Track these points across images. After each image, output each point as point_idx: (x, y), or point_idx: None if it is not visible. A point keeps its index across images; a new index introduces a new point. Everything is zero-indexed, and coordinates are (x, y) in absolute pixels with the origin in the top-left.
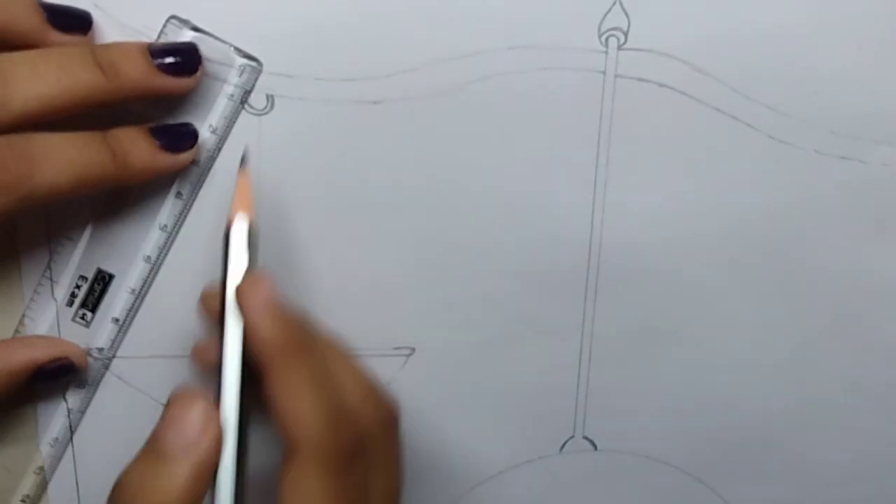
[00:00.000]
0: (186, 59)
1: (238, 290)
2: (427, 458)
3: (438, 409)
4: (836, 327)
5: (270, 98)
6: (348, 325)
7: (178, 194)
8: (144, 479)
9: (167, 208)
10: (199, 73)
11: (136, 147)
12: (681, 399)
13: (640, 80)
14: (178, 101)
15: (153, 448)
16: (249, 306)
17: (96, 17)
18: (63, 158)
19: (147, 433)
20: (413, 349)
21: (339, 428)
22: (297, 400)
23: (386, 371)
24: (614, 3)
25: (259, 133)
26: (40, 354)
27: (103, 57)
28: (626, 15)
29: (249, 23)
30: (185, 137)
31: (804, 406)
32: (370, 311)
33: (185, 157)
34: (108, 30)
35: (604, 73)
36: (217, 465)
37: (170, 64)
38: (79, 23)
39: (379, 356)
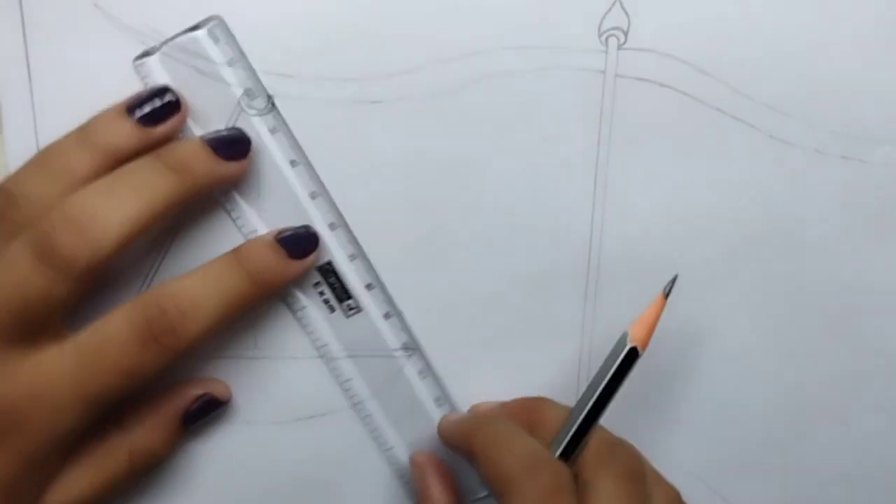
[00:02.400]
0: (241, 145)
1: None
2: (449, 456)
3: (438, 409)
4: (836, 327)
5: (270, 98)
6: (366, 325)
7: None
8: None
9: None
10: (251, 154)
11: (268, 262)
12: (680, 399)
13: (640, 80)
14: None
15: None
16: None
17: (97, 17)
18: (209, 304)
19: None
20: (413, 349)
21: None
22: None
23: (386, 371)
24: (614, 3)
25: (259, 133)
26: (183, 400)
27: (172, 160)
28: (626, 15)
29: (250, 22)
30: (308, 242)
31: (804, 406)
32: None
33: (310, 260)
34: (109, 29)
35: (604, 72)
36: None
37: (228, 151)
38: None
39: (379, 356)
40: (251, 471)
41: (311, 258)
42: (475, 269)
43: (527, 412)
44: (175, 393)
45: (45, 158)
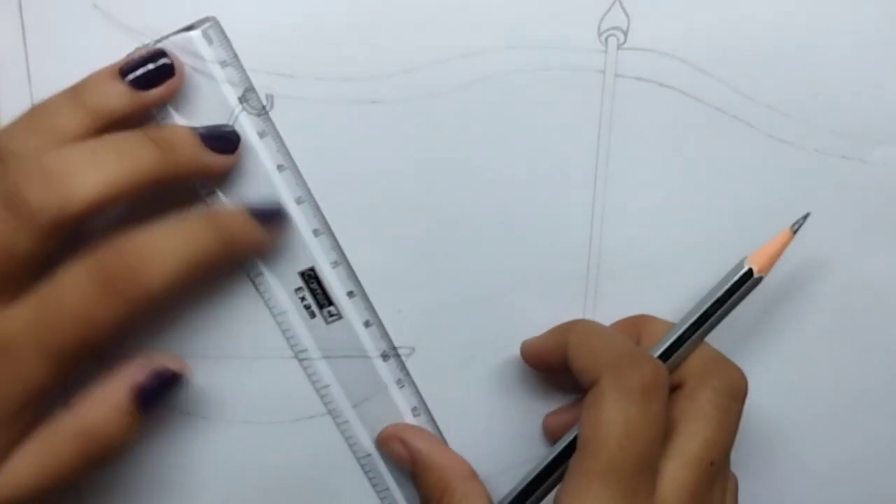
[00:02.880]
0: (230, 140)
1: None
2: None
3: (438, 408)
4: (836, 327)
5: (270, 98)
6: (346, 332)
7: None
8: None
9: None
10: (238, 152)
11: (237, 223)
12: None
13: (640, 80)
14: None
15: None
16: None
17: (96, 17)
18: (172, 254)
19: None
20: (413, 349)
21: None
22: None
23: (363, 379)
24: (614, 3)
25: (248, 136)
26: (137, 375)
27: (159, 137)
28: (626, 15)
29: (249, 22)
30: (277, 216)
31: (805, 406)
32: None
33: (276, 233)
34: (109, 30)
35: (604, 72)
36: None
37: (216, 144)
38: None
39: (357, 364)
40: (250, 471)
41: (278, 228)
42: (475, 269)
43: (630, 327)
44: (123, 368)
45: (34, 115)
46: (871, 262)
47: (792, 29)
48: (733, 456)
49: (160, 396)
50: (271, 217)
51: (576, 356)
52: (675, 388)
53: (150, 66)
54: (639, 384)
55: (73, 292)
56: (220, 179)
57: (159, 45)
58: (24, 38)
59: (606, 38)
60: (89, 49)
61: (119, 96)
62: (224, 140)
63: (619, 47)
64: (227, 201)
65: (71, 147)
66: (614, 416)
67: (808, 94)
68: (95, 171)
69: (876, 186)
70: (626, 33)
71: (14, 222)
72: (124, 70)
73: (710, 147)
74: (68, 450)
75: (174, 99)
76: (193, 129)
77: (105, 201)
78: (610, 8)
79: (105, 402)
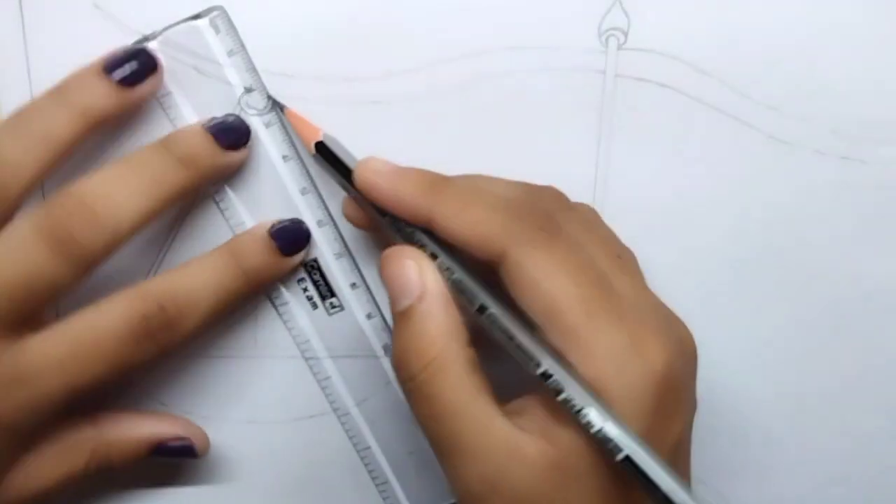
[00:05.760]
0: (241, 133)
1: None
2: (428, 457)
3: None
4: (836, 327)
5: (270, 98)
6: (348, 324)
7: None
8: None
9: None
10: (250, 143)
11: (262, 259)
12: None
13: (640, 80)
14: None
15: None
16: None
17: (96, 17)
18: (206, 301)
19: None
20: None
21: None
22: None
23: (365, 371)
24: (614, 3)
25: (254, 126)
26: (167, 430)
27: (178, 150)
28: (626, 15)
29: (249, 22)
30: (299, 237)
31: (804, 405)
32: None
33: (300, 256)
34: (109, 30)
35: (604, 73)
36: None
37: (230, 141)
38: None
39: (379, 356)
40: (250, 470)
41: (301, 254)
42: None
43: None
44: (161, 420)
45: (20, 121)
46: (870, 261)
47: (792, 29)
48: (732, 455)
49: (173, 456)
50: (296, 240)
51: (453, 225)
52: None
53: (136, 64)
54: (545, 239)
55: (110, 339)
56: (230, 173)
57: (154, 41)
58: (24, 37)
59: (607, 39)
60: (89, 49)
61: (107, 96)
62: (236, 134)
63: (619, 47)
64: (240, 213)
65: (101, 176)
66: (554, 284)
67: (808, 94)
68: (134, 200)
69: (876, 186)
70: (626, 33)
71: (58, 259)
72: (108, 67)
73: (710, 147)
74: (81, 465)
75: (182, 90)
76: (205, 126)
77: (142, 227)
78: (610, 8)
79: (130, 439)
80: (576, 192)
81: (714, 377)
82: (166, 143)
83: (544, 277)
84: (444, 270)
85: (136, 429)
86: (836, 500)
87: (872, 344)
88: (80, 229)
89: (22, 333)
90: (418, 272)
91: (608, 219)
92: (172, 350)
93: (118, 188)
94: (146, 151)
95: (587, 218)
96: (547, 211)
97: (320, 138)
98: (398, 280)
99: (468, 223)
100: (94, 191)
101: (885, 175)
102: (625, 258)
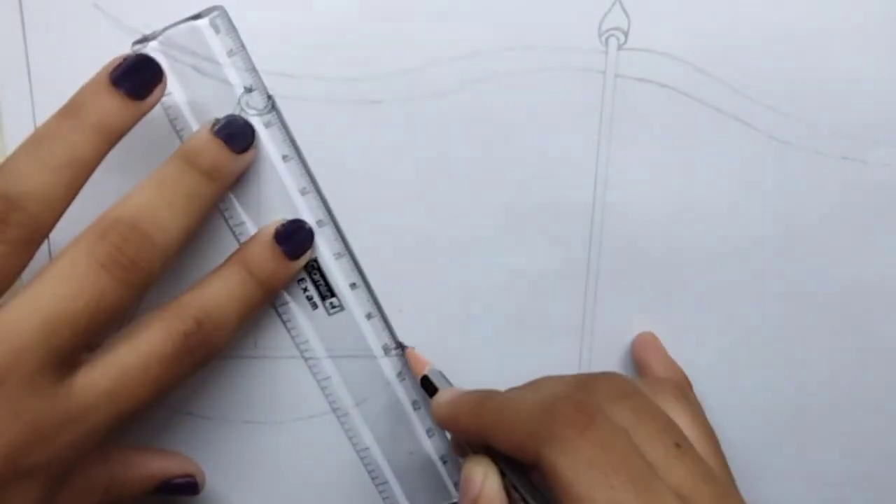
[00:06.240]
0: (248, 135)
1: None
2: (427, 456)
3: (415, 411)
4: (836, 327)
5: (270, 98)
6: (347, 324)
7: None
8: None
9: None
10: (255, 145)
11: (274, 268)
12: None
13: (640, 80)
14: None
15: None
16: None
17: (96, 17)
18: (235, 315)
19: None
20: (413, 349)
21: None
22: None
23: (364, 371)
24: (614, 3)
25: (259, 133)
26: (175, 468)
27: (202, 164)
28: (626, 15)
29: (249, 22)
30: (304, 241)
31: (804, 406)
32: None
33: (305, 259)
34: (109, 30)
35: (604, 73)
36: None
37: (242, 146)
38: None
39: (378, 357)
40: (250, 470)
41: (308, 255)
42: (475, 269)
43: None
44: (168, 458)
45: (41, 149)
46: (870, 262)
47: (792, 29)
48: (732, 457)
49: (176, 493)
50: (301, 245)
51: (497, 437)
52: None
53: (144, 74)
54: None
55: (155, 362)
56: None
57: (155, 41)
58: (24, 37)
59: (607, 39)
60: (89, 49)
61: (120, 110)
62: (244, 137)
63: (619, 48)
64: (240, 213)
65: (146, 199)
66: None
67: (808, 94)
68: (178, 220)
69: (876, 186)
70: (626, 34)
71: (121, 285)
72: (115, 79)
73: (710, 147)
74: (99, 501)
75: (182, 90)
76: (214, 132)
77: (185, 245)
78: (610, 8)
79: (139, 477)
80: (576, 193)
81: (714, 377)
82: (187, 158)
83: (575, 479)
84: (503, 476)
85: (145, 466)
86: (835, 500)
87: (872, 344)
88: (139, 253)
89: (71, 366)
90: (482, 476)
91: (608, 218)
92: (205, 366)
93: (162, 209)
94: (173, 169)
95: (642, 405)
96: (584, 403)
97: (425, 372)
98: (465, 481)
99: (503, 434)
100: (143, 214)
101: (885, 175)
102: (684, 447)
